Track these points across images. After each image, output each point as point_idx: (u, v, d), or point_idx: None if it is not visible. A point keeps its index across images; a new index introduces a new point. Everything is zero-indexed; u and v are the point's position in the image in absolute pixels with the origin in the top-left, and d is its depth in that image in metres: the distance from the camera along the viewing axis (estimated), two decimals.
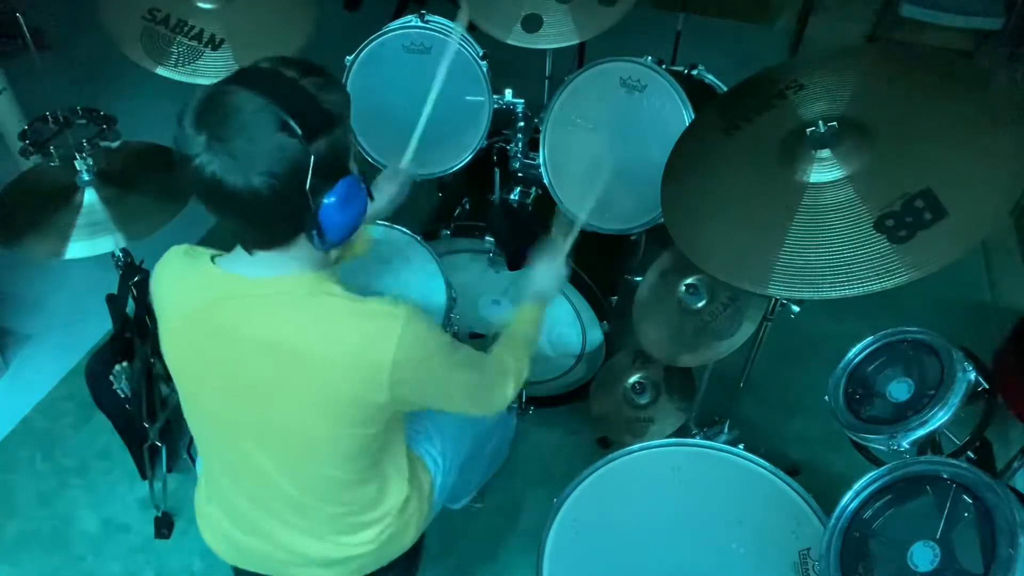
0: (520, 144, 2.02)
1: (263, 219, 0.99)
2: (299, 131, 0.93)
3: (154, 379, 1.93)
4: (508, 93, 1.93)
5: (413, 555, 1.36)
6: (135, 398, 1.90)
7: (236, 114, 0.92)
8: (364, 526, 1.23)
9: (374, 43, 1.92)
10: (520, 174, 2.06)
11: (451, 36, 1.65)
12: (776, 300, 1.59)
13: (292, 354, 1.03)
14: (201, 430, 1.21)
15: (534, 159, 1.99)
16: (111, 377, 1.88)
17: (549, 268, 1.45)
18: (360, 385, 1.05)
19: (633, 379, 2.01)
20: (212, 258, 1.10)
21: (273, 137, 0.92)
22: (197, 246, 1.14)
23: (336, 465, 1.14)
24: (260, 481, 1.17)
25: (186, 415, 1.21)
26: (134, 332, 1.87)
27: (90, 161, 1.59)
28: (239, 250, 1.07)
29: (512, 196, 2.05)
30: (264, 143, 0.92)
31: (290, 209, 0.98)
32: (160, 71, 1.76)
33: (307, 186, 0.95)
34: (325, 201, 0.99)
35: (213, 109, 0.93)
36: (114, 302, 1.79)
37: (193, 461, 1.96)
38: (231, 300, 1.06)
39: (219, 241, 1.12)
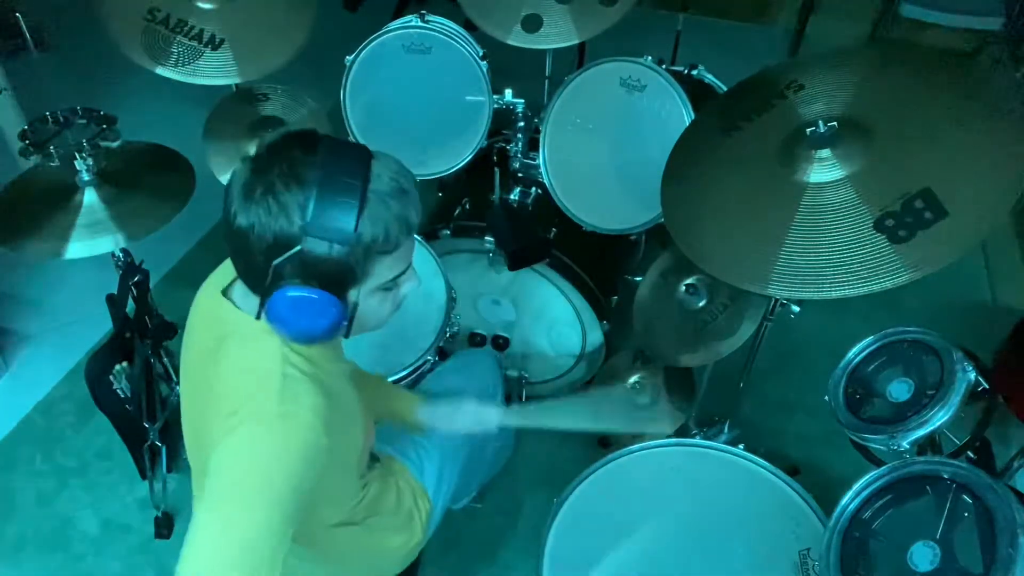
0: (520, 144, 2.02)
1: (235, 257, 0.97)
2: (307, 218, 0.89)
3: (154, 379, 1.93)
4: (508, 93, 1.93)
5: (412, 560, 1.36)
6: (135, 398, 1.89)
7: (286, 164, 0.90)
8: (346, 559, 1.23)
9: (374, 43, 1.92)
10: (520, 174, 2.06)
11: None
12: (776, 300, 1.59)
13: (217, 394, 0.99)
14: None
15: (534, 159, 1.99)
16: (111, 377, 1.88)
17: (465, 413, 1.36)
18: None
19: (633, 379, 2.01)
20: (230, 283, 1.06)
21: (285, 204, 0.89)
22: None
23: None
24: None
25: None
26: (134, 332, 1.86)
27: (90, 161, 1.59)
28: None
29: (512, 196, 2.05)
30: (271, 201, 0.89)
31: (252, 269, 0.94)
32: (160, 71, 1.76)
33: (274, 262, 0.90)
34: (284, 291, 0.92)
35: (285, 144, 0.92)
36: (114, 302, 1.79)
37: None
38: (225, 335, 1.01)
39: (215, 243, 1.11)
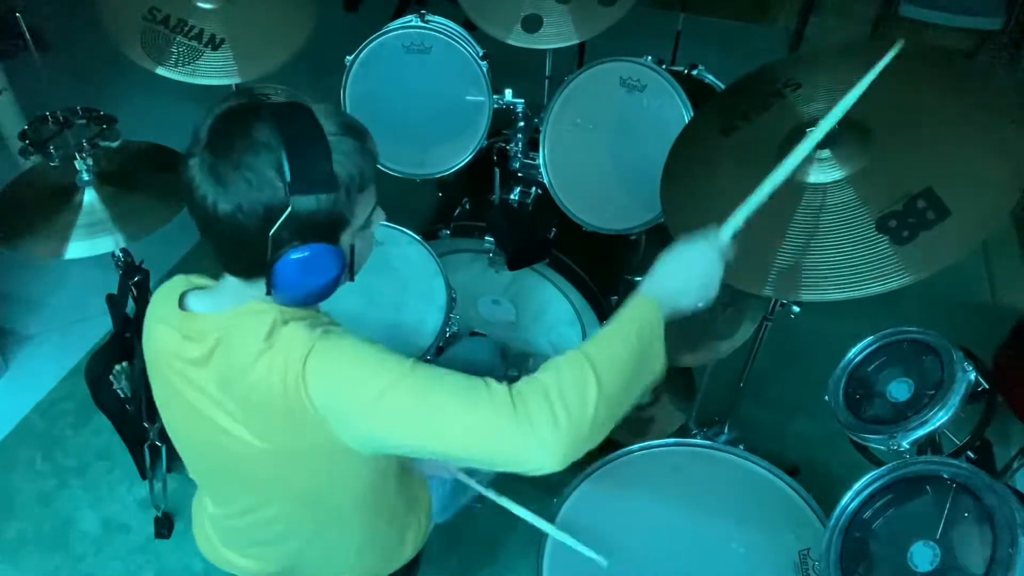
0: (520, 144, 2.02)
1: (226, 245, 0.95)
2: (287, 179, 0.88)
3: None
4: (508, 93, 1.93)
5: (412, 560, 1.36)
6: (135, 398, 1.89)
7: (244, 137, 0.90)
8: (360, 545, 1.21)
9: (374, 43, 1.92)
10: (520, 174, 2.06)
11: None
12: (776, 300, 1.59)
13: (234, 392, 0.98)
14: (194, 465, 1.18)
15: (534, 159, 1.99)
16: (111, 377, 1.88)
17: (695, 256, 1.05)
18: (294, 415, 0.95)
19: None
20: (186, 292, 1.05)
21: (263, 173, 0.89)
22: (193, 277, 1.09)
23: (326, 493, 1.09)
24: (259, 515, 1.14)
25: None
26: (134, 332, 1.86)
27: (90, 161, 1.58)
28: (213, 287, 1.05)
29: (512, 196, 2.05)
30: (249, 175, 0.89)
31: (247, 249, 0.93)
32: (160, 71, 1.76)
33: (270, 233, 0.90)
34: (288, 256, 0.92)
35: (231, 119, 0.91)
36: (114, 302, 1.79)
37: None
38: (185, 340, 1.01)
39: None
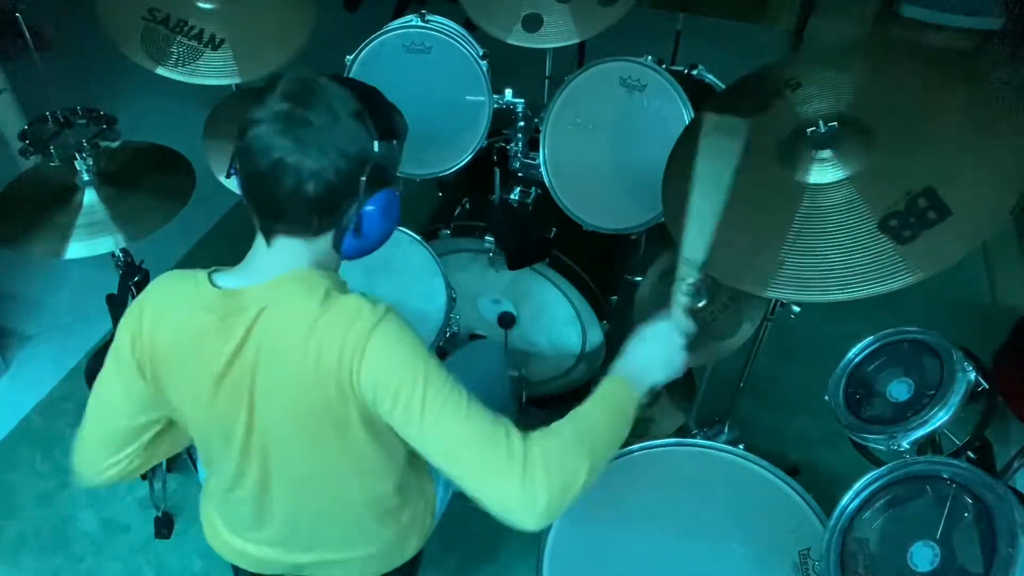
0: (520, 144, 2.02)
1: (310, 202, 0.97)
2: (372, 129, 0.98)
3: None
4: (508, 93, 1.93)
5: (413, 559, 1.36)
6: None
7: (322, 92, 0.97)
8: (367, 537, 1.22)
9: (374, 43, 1.92)
10: (520, 174, 2.06)
11: None
12: (776, 300, 1.59)
13: (275, 358, 1.00)
14: (210, 446, 1.16)
15: (534, 159, 1.99)
16: None
17: (655, 337, 1.16)
18: (331, 387, 0.98)
19: None
20: (209, 276, 1.04)
21: (350, 120, 0.97)
22: (187, 270, 1.09)
23: (339, 478, 1.11)
24: (269, 496, 1.14)
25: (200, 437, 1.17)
26: None
27: (90, 161, 1.58)
28: (239, 265, 1.06)
29: (512, 196, 2.05)
30: (343, 122, 0.96)
31: (340, 198, 0.99)
32: (160, 71, 1.76)
33: (364, 177, 0.98)
34: (373, 201, 1.01)
35: (301, 85, 0.98)
36: (114, 302, 1.79)
37: (194, 462, 1.95)
38: (230, 317, 1.00)
39: (215, 243, 1.11)
